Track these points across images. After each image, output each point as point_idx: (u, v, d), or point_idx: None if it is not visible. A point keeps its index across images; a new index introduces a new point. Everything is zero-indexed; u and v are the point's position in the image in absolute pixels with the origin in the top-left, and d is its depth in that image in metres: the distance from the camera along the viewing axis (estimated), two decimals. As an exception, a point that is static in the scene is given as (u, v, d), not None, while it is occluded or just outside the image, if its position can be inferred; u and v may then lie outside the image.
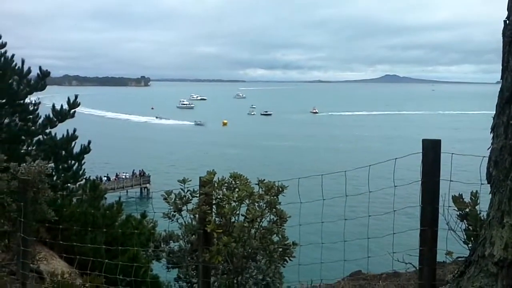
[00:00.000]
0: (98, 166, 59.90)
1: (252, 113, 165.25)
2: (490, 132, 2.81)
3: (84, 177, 11.31)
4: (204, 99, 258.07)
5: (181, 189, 5.47)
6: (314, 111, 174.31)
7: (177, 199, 5.47)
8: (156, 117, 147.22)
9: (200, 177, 5.31)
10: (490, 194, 2.81)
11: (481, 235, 2.91)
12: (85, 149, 11.58)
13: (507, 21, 2.71)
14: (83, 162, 11.32)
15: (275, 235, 5.59)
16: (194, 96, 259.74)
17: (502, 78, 2.72)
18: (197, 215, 5.31)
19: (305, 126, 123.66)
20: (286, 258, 5.73)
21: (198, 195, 5.37)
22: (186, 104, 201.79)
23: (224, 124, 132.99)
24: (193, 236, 5.65)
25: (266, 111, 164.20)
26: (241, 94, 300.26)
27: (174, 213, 5.52)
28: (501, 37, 2.75)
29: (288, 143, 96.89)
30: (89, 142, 11.63)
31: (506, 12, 2.71)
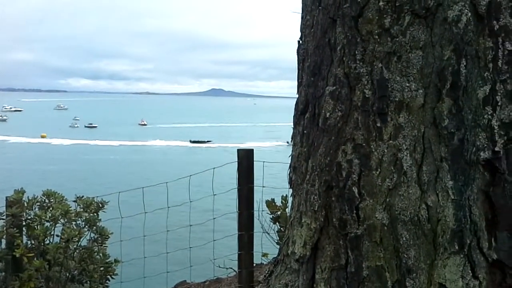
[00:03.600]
0: None
1: (75, 126, 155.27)
2: (290, 141, 3.13)
3: None
4: (20, 111, 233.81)
5: (-17, 211, 4.88)
6: (143, 123, 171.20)
7: (-22, 224, 4.86)
8: None
9: (6, 197, 4.81)
10: (292, 197, 3.12)
11: (285, 235, 3.20)
12: None
13: (300, 41, 3.06)
14: None
15: (96, 254, 5.33)
16: (7, 107, 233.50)
17: (297, 92, 3.06)
18: (3, 240, 4.80)
19: (133, 139, 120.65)
20: (108, 276, 5.50)
21: (4, 217, 4.86)
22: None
23: (43, 137, 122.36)
24: (0, 263, 5.08)
25: (91, 123, 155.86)
26: (62, 105, 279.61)
27: (-26, 240, 4.89)
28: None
29: (114, 156, 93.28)
30: None
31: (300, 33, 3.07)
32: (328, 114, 2.68)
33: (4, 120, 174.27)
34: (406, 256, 2.50)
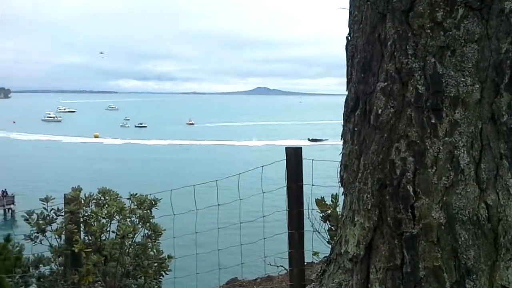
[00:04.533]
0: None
1: (126, 125, 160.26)
2: (340, 139, 3.10)
3: None
4: (73, 112, 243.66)
5: (44, 208, 5.12)
6: (190, 122, 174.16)
7: (39, 219, 5.10)
8: None
9: (64, 194, 5.02)
10: (343, 196, 3.09)
11: (338, 234, 3.17)
12: None
13: (349, 37, 3.03)
14: None
15: (150, 250, 5.48)
16: (62, 108, 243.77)
17: (347, 89, 3.03)
18: (63, 235, 5.02)
19: (181, 138, 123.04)
20: (162, 272, 5.65)
21: (63, 214, 5.08)
22: (53, 117, 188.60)
23: (96, 136, 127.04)
24: (60, 258, 5.32)
25: (141, 123, 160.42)
26: (113, 106, 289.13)
27: (37, 235, 5.14)
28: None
29: (164, 155, 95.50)
30: None
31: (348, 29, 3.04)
32: (380, 111, 2.63)
33: (59, 121, 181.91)
34: (465, 256, 2.42)
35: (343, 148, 3.07)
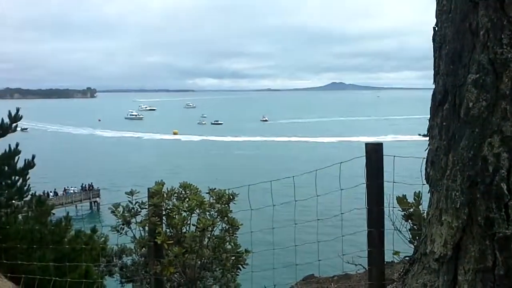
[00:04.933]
0: (45, 181, 57.62)
1: (203, 123, 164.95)
2: (427, 134, 2.96)
3: (30, 193, 10.77)
4: (154, 110, 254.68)
5: (129, 201, 5.38)
6: (264, 119, 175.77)
7: (125, 212, 5.38)
8: None
9: (148, 188, 5.25)
10: (429, 194, 2.95)
11: (422, 234, 3.04)
12: (29, 164, 11.06)
13: (436, 28, 2.88)
14: (27, 177, 10.79)
15: (227, 243, 5.59)
16: (143, 107, 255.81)
17: (434, 82, 2.88)
18: (146, 227, 5.25)
19: (256, 135, 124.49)
20: (239, 266, 5.74)
21: (147, 207, 5.30)
22: (135, 115, 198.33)
23: (175, 133, 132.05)
24: (143, 248, 5.57)
25: (217, 121, 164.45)
26: (191, 104, 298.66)
27: (123, 226, 5.42)
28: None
29: (239, 152, 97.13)
30: (33, 157, 11.12)
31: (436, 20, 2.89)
32: (471, 104, 2.48)
33: (141, 119, 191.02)
34: None
35: (429, 144, 2.93)
